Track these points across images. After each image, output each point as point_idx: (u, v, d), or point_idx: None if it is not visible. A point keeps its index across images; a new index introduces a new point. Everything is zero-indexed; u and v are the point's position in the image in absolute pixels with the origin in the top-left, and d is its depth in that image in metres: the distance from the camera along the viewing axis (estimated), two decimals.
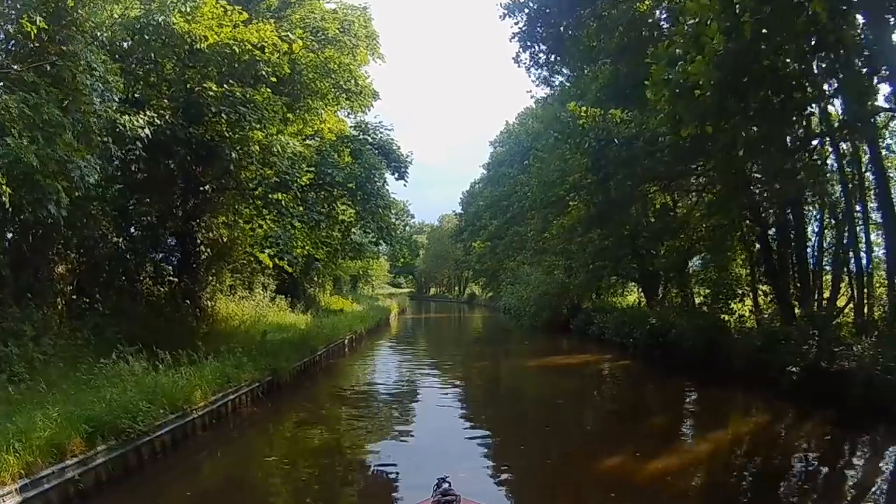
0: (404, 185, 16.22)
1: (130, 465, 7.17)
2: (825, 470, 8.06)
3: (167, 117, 12.76)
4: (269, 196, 12.28)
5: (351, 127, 16.90)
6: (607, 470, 7.38)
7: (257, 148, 11.83)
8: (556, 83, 18.32)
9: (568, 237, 20.64)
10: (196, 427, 8.47)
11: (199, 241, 18.53)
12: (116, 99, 9.24)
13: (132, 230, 18.03)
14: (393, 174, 16.14)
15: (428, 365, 18.64)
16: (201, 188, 15.89)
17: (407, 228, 41.78)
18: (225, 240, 18.89)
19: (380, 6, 28.47)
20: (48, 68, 9.43)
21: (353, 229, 14.57)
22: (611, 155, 16.94)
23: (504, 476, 7.53)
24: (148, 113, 12.23)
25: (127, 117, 11.85)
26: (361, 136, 15.68)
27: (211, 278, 19.39)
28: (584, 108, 16.90)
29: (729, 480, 7.45)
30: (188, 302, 17.88)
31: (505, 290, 33.79)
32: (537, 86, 18.07)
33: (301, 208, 12.67)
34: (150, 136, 11.78)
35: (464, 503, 4.70)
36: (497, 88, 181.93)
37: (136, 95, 13.89)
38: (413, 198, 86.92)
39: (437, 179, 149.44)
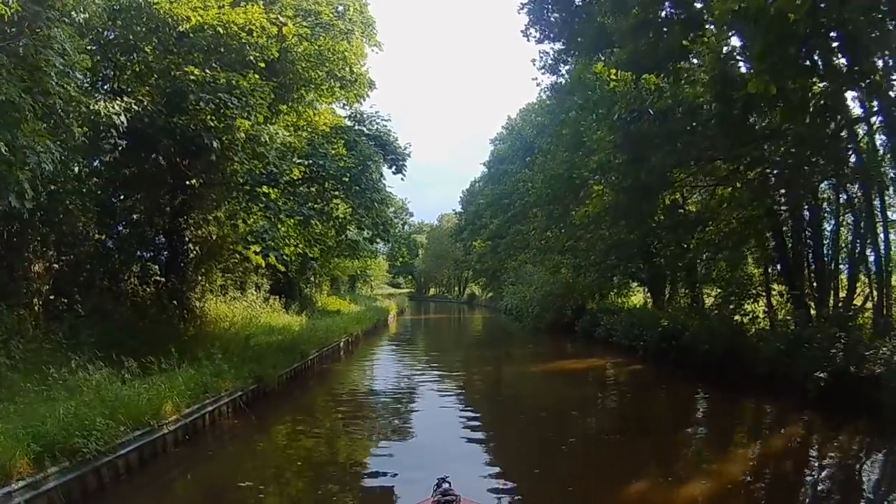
0: (402, 179, 15.31)
1: (90, 489, 6.30)
2: (882, 491, 7.15)
3: (146, 104, 11.89)
4: (256, 190, 11.34)
5: (345, 118, 15.92)
6: (636, 498, 6.45)
7: (242, 136, 10.91)
8: (564, 70, 17.30)
9: (577, 233, 19.47)
10: (167, 444, 7.57)
11: (187, 238, 17.67)
12: (80, 76, 8.28)
13: (118, 227, 17.29)
14: (390, 168, 15.16)
15: (426, 370, 17.45)
16: (187, 182, 15.01)
17: (406, 227, 40.61)
18: (214, 237, 18.01)
19: (380, 6, 27.66)
20: (21, 52, 8.60)
21: (348, 226, 13.50)
22: (644, 129, 14.81)
23: None
24: (125, 99, 11.37)
25: (103, 103, 11.08)
26: (356, 127, 14.65)
27: (200, 278, 18.51)
28: (612, 71, 14.55)
29: None
30: (175, 303, 17.05)
31: (506, 290, 32.70)
32: (543, 72, 17.12)
33: (291, 203, 11.72)
34: (125, 123, 10.92)
35: (464, 503, 4.68)
36: (498, 88, 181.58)
37: (119, 86, 13.10)
38: (413, 198, 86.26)
39: (437, 179, 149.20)
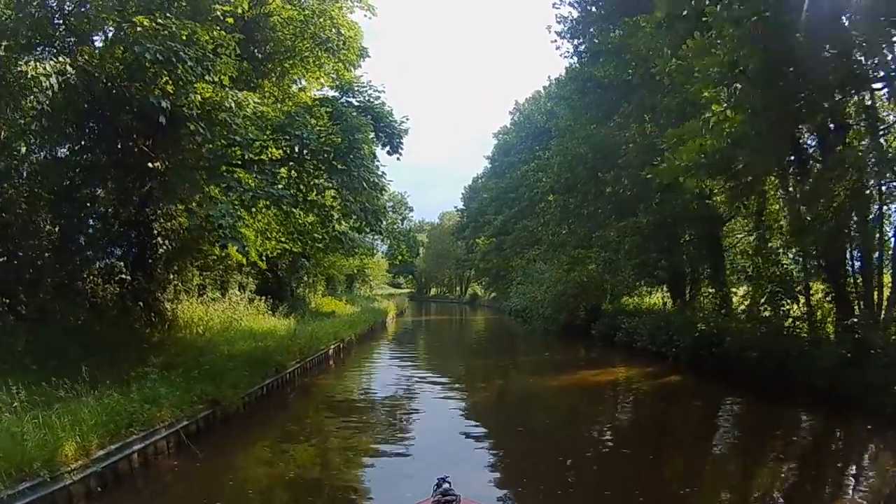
0: (398, 159, 13.10)
1: None
2: None
3: (93, 67, 9.96)
4: (221, 170, 9.35)
5: (331, 88, 13.70)
6: None
7: (198, 98, 8.94)
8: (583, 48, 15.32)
9: (606, 221, 17.21)
10: (72, 497, 5.58)
11: (155, 231, 15.76)
12: None
13: (82, 220, 15.45)
14: (384, 147, 13.03)
15: (425, 386, 14.46)
16: (150, 165, 13.08)
17: (406, 223, 38.41)
18: (186, 230, 16.08)
19: (380, 7, 25.61)
20: None
21: (333, 213, 11.37)
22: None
23: None
24: (60, 58, 9.44)
25: (33, 64, 9.20)
26: (343, 99, 12.44)
27: (172, 276, 16.58)
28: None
29: None
30: (140, 304, 15.15)
31: (514, 290, 30.51)
32: (565, 37, 15.19)
33: (257, 182, 9.64)
34: (55, 86, 9.02)
35: (464, 503, 4.64)
36: (498, 89, 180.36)
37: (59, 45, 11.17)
38: (413, 198, 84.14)
39: (437, 179, 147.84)
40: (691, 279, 20.74)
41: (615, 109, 15.90)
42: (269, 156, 10.91)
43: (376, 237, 39.59)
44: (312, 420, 10.83)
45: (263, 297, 21.67)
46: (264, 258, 18.01)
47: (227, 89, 9.41)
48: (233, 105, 9.21)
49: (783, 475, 7.65)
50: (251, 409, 10.23)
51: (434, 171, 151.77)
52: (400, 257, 44.23)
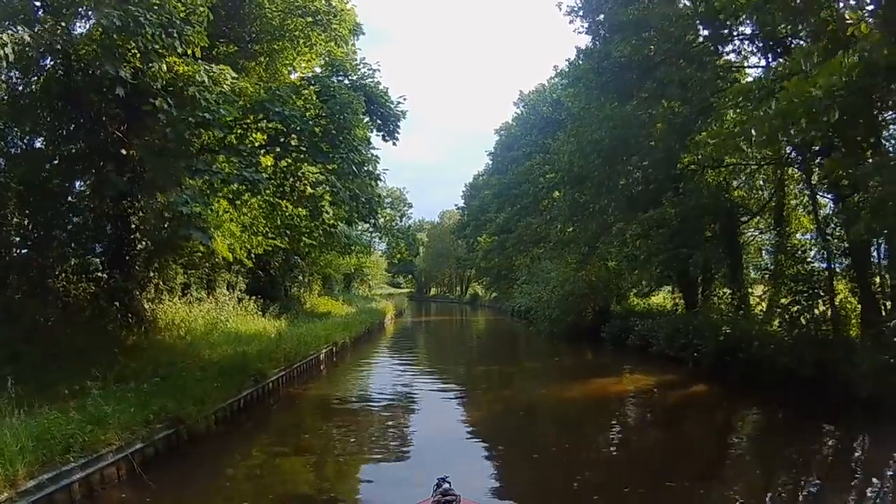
0: (394, 145, 11.83)
1: None
2: None
3: (57, 38, 8.88)
4: (189, 151, 8.21)
5: (320, 67, 12.39)
6: None
7: (164, 68, 7.86)
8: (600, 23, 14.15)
9: (629, 214, 15.88)
10: None
11: (133, 226, 14.68)
12: None
13: (49, 212, 14.42)
14: (379, 132, 11.84)
15: (424, 397, 12.97)
16: (123, 152, 11.99)
17: (405, 220, 37.20)
18: (168, 225, 15.00)
19: (380, 7, 24.60)
20: None
21: (323, 205, 10.15)
22: None
23: None
24: (20, 28, 8.37)
25: None
26: (333, 78, 11.12)
27: (152, 274, 15.49)
28: None
29: None
30: (117, 304, 14.09)
31: (518, 290, 29.26)
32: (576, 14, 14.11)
33: (231, 164, 8.46)
34: (11, 56, 7.96)
35: (464, 503, 4.61)
36: (499, 89, 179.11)
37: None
38: (414, 198, 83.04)
39: (437, 180, 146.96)
40: (704, 278, 19.65)
41: (637, 88, 14.60)
42: (252, 141, 9.79)
43: (374, 235, 38.67)
44: (294, 440, 9.17)
45: (254, 297, 20.61)
46: (252, 255, 17.00)
47: (199, 62, 8.33)
48: (206, 79, 8.12)
49: None
50: (225, 426, 8.97)
51: (434, 170, 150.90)
52: (398, 256, 42.98)
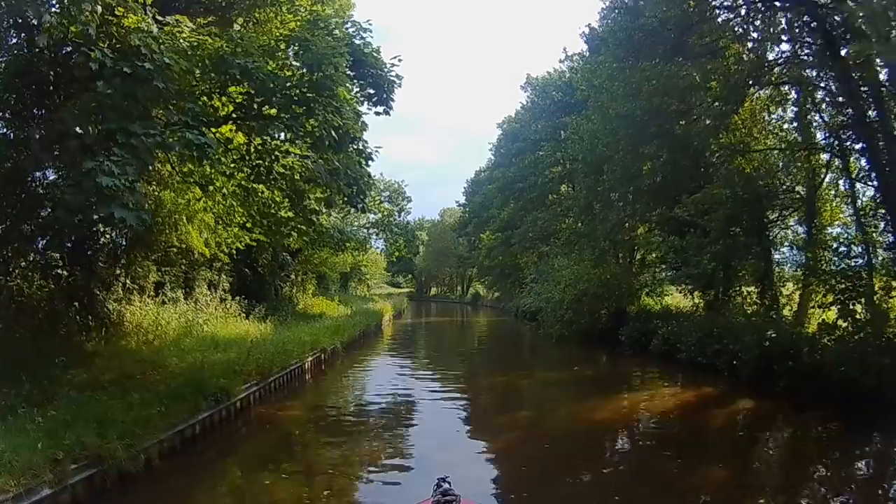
0: (387, 113, 10.04)
1: None
2: None
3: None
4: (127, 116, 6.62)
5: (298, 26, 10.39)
6: None
7: (97, 10, 6.32)
8: None
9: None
10: None
11: (95, 217, 13.16)
12: None
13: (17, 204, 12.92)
14: (370, 100, 10.11)
15: (424, 420, 10.79)
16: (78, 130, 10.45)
17: (403, 216, 35.49)
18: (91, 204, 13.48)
19: (381, 7, 23.04)
20: None
21: (303, 188, 8.58)
22: None
23: None
24: None
25: None
26: (312, 31, 9.09)
27: (119, 272, 13.96)
28: None
29: None
30: (77, 305, 12.61)
31: (526, 289, 27.44)
32: None
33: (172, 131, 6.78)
34: None
35: (464, 503, 4.62)
36: (499, 89, 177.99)
37: None
38: (414, 198, 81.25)
39: (437, 179, 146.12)
40: (725, 275, 18.05)
41: (678, 47, 12.74)
42: (212, 106, 8.23)
43: (371, 231, 37.08)
44: (252, 485, 6.97)
45: (238, 298, 19.08)
46: (232, 250, 15.47)
47: (147, 9, 6.79)
48: (153, 28, 6.59)
49: None
50: (171, 461, 7.11)
51: (435, 170, 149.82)
52: (397, 253, 41.52)
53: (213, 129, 9.22)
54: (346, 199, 9.17)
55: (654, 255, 22.09)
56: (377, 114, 9.91)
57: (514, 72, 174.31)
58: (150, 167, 7.91)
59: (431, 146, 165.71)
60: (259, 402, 10.81)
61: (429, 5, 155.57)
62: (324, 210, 11.50)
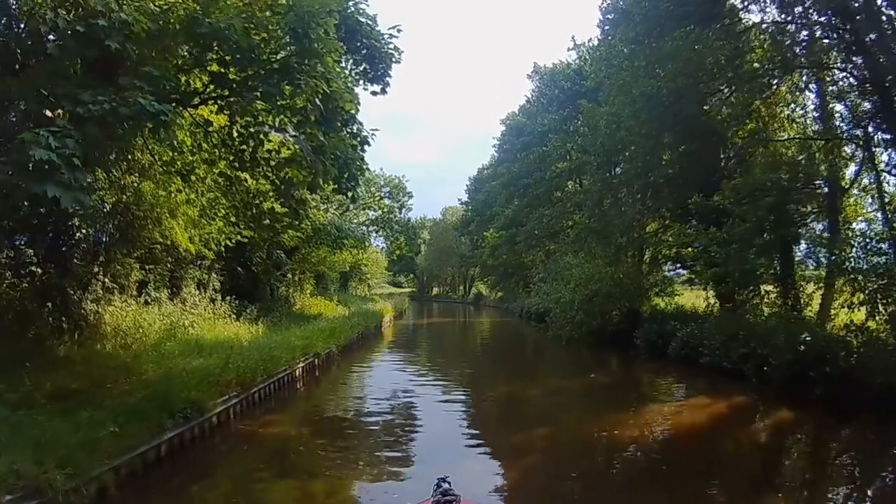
0: (384, 92, 9.10)
1: None
2: None
3: None
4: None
5: None
6: None
7: None
8: None
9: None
10: None
11: (70, 211, 12.28)
12: None
13: None
14: (367, 75, 9.13)
15: (426, 441, 9.38)
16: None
17: (404, 212, 34.42)
18: (110, 210, 12.60)
19: (380, 5, 22.13)
20: None
21: (288, 175, 7.61)
22: None
23: None
24: None
25: None
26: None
27: (98, 269, 13.07)
28: None
29: None
30: (49, 306, 11.74)
31: (534, 289, 26.22)
32: None
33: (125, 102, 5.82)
34: None
35: (464, 503, 4.63)
36: (500, 88, 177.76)
37: None
38: (415, 198, 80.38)
39: (437, 179, 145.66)
40: (741, 273, 17.05)
41: (708, 18, 11.61)
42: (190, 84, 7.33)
43: (370, 228, 36.13)
44: None
45: (229, 298, 18.18)
46: (220, 246, 14.59)
47: None
48: None
49: None
50: (130, 489, 6.06)
51: (436, 170, 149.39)
52: (398, 252, 40.55)
53: (191, 110, 8.34)
54: (334, 183, 8.09)
55: (666, 253, 21.16)
56: (373, 93, 9.02)
57: (515, 72, 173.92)
58: (111, 150, 6.96)
59: (432, 146, 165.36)
60: (241, 416, 9.68)
61: (430, 5, 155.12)
62: (308, 195, 10.47)
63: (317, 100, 6.82)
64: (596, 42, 26.52)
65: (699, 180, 13.89)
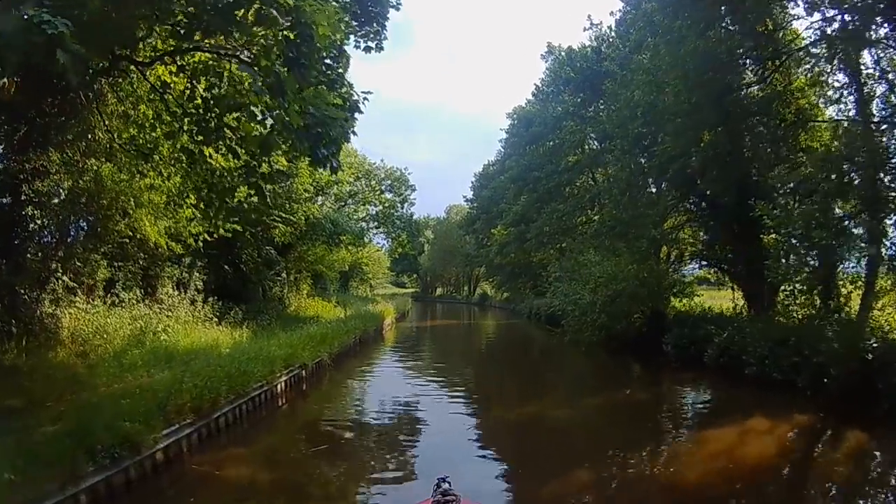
0: (379, 49, 7.70)
1: None
2: None
3: None
4: None
5: None
6: None
7: None
8: None
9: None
10: None
11: (24, 197, 10.97)
12: None
13: None
14: (359, 29, 7.72)
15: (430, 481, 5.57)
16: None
17: (406, 206, 32.78)
18: (67, 196, 11.24)
19: None
20: None
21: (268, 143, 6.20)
22: None
23: None
24: None
25: None
26: None
27: (56, 266, 11.70)
28: None
29: None
30: None
31: (550, 288, 24.34)
32: None
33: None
34: None
35: (464, 503, 4.68)
36: (500, 88, 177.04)
37: None
38: (418, 198, 78.99)
39: (438, 179, 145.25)
40: (770, 276, 15.54)
41: None
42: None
43: (370, 224, 34.67)
44: None
45: (213, 299, 16.78)
46: (199, 243, 13.21)
47: None
48: None
49: None
50: None
51: (437, 170, 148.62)
52: (399, 249, 39.03)
53: (147, 71, 6.96)
54: (307, 143, 6.37)
55: (692, 249, 19.75)
56: (366, 49, 7.59)
57: (517, 72, 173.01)
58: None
59: (434, 145, 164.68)
60: (198, 449, 7.82)
61: (433, 5, 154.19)
62: (282, 165, 9.04)
63: (274, 11, 5.19)
64: (615, 21, 24.98)
65: (737, 167, 12.38)
